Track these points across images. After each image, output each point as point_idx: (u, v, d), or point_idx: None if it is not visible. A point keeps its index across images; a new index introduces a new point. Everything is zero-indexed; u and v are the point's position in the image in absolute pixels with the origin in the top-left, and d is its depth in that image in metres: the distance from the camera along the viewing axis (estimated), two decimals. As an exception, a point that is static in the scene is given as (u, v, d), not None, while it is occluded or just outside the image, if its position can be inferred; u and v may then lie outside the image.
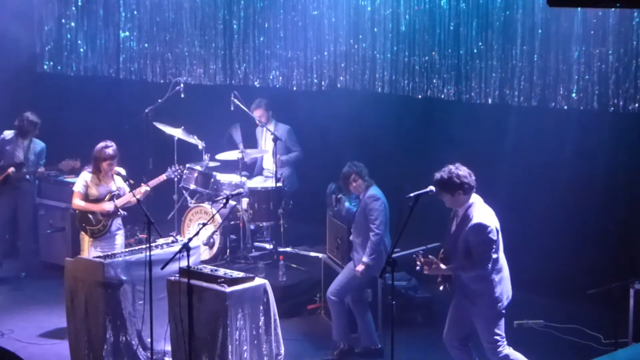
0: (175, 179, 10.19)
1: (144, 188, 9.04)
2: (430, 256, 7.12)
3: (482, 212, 7.08)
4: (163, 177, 9.59)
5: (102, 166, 8.86)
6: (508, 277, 7.25)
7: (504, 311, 7.20)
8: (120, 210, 8.98)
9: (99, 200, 8.93)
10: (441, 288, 7.34)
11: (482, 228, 6.99)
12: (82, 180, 8.97)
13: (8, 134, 10.87)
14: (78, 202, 8.96)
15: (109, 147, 8.84)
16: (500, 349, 7.18)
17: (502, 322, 7.22)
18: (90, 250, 8.93)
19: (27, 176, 10.82)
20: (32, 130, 10.81)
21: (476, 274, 7.08)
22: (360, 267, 8.51)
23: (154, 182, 9.34)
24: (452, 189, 7.08)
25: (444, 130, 11.10)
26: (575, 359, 8.57)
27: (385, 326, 9.01)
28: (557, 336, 9.15)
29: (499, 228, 7.10)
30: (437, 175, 7.15)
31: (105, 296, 7.93)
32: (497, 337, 7.17)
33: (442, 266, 7.08)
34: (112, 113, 12.76)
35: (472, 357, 7.42)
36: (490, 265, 7.02)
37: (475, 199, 7.17)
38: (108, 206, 8.91)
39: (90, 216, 8.96)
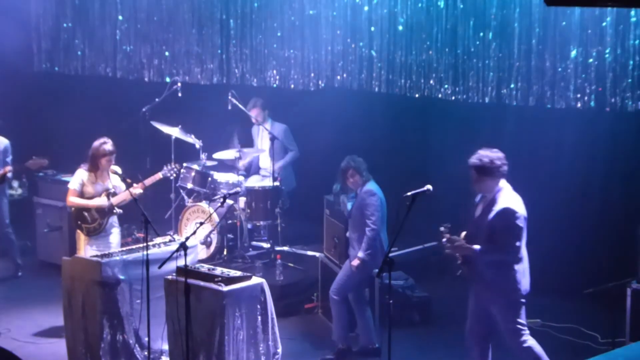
0: (172, 178, 10.18)
1: (139, 188, 9.04)
2: (454, 237, 7.08)
3: (511, 198, 7.06)
4: (159, 175, 9.56)
5: (100, 163, 8.86)
6: (528, 269, 7.18)
7: (524, 300, 7.12)
8: (116, 208, 8.99)
9: (94, 198, 8.93)
10: (459, 273, 7.25)
11: (510, 213, 6.96)
12: (78, 178, 8.96)
13: None
14: (73, 199, 8.95)
15: (107, 143, 8.86)
16: (524, 337, 7.11)
17: (524, 311, 7.16)
18: (86, 249, 8.92)
19: None
20: None
21: (499, 259, 7.02)
22: (355, 262, 8.49)
23: (149, 181, 9.31)
24: (487, 173, 7.06)
25: (441, 129, 11.10)
26: (572, 359, 8.57)
27: (382, 325, 9.02)
28: (554, 335, 9.14)
29: (526, 217, 7.06)
30: (475, 158, 7.13)
31: (102, 295, 7.92)
32: (519, 326, 7.11)
33: (467, 245, 7.00)
34: (110, 112, 12.74)
35: (488, 358, 7.32)
36: (514, 252, 6.98)
37: (505, 185, 7.15)
38: (102, 200, 8.90)
39: (85, 214, 8.95)
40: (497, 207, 7.01)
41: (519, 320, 7.12)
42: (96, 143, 8.88)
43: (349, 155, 8.72)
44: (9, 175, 10.70)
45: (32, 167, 10.66)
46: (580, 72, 9.57)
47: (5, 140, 10.76)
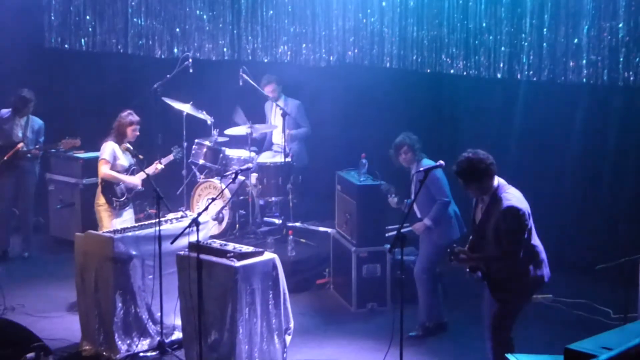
0: (177, 160, 10.25)
1: (159, 166, 9.23)
2: (458, 248, 6.72)
3: (511, 195, 6.60)
4: (171, 157, 9.84)
5: (127, 132, 9.04)
6: (545, 260, 6.79)
7: (524, 300, 6.80)
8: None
9: (123, 172, 9.12)
10: (468, 276, 6.89)
11: (514, 213, 6.51)
12: (111, 150, 9.03)
13: (5, 111, 10.77)
14: (109, 172, 9.04)
15: (132, 113, 9.09)
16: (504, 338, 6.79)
17: (516, 313, 6.81)
18: (113, 223, 9.01)
19: (28, 155, 10.73)
20: (25, 107, 10.60)
21: (508, 263, 6.61)
22: (419, 226, 8.47)
23: (166, 160, 9.53)
24: (479, 177, 6.59)
25: (453, 104, 11.08)
26: (584, 334, 8.46)
27: (394, 301, 9.04)
28: (566, 311, 9.15)
29: (529, 212, 6.64)
30: (458, 165, 6.66)
31: (115, 271, 7.96)
32: (506, 324, 6.77)
33: (473, 255, 6.67)
34: (121, 89, 12.75)
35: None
36: (520, 250, 6.56)
37: (499, 181, 6.69)
38: (136, 180, 9.15)
39: (116, 188, 9.06)
40: (499, 208, 6.55)
41: (507, 320, 6.71)
42: (123, 113, 9.09)
43: (405, 132, 8.60)
44: (40, 153, 10.85)
45: (65, 147, 10.77)
46: (593, 47, 9.49)
47: (40, 121, 10.83)
